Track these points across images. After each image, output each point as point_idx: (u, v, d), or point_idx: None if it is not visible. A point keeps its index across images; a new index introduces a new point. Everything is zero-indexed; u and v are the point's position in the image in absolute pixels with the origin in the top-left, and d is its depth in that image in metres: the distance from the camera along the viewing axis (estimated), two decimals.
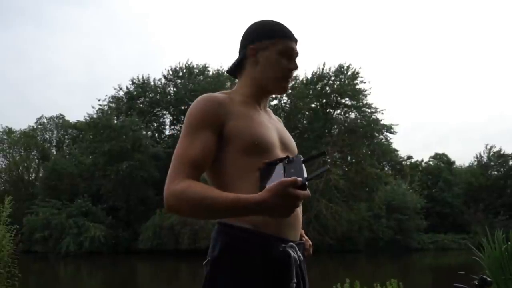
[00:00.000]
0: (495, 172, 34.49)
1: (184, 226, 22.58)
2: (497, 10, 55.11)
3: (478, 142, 55.47)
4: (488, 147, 35.08)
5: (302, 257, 1.23)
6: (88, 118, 29.23)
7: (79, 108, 63.10)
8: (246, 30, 1.39)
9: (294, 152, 1.37)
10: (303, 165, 1.14)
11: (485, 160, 35.34)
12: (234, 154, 1.22)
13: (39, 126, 36.35)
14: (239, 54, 1.37)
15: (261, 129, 1.27)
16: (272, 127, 1.34)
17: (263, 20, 1.39)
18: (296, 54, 1.37)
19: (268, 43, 1.33)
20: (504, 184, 32.96)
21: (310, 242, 1.42)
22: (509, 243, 4.36)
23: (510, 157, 34.30)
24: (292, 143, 1.40)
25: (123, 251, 24.37)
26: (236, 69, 1.39)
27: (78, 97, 54.82)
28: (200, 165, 1.19)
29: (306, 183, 1.06)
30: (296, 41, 1.38)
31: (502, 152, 34.50)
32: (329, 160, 26.58)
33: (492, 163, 34.80)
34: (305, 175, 1.10)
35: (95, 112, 29.42)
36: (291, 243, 1.20)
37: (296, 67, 1.36)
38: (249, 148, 1.22)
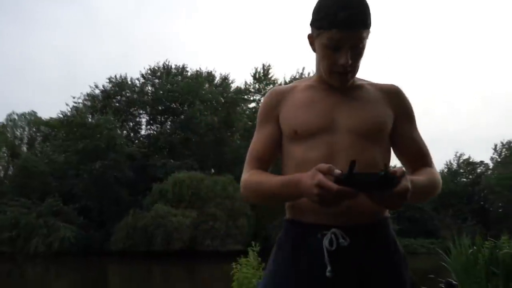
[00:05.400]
0: (464, 179, 35.55)
1: (158, 227, 22.31)
2: (474, 22, 56.96)
3: (448, 150, 56.96)
4: (458, 155, 36.15)
5: (346, 242, 1.12)
6: (61, 115, 28.57)
7: (54, 105, 61.51)
8: None
9: (353, 131, 1.18)
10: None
11: (454, 167, 36.36)
12: (285, 143, 1.26)
13: (10, 123, 35.21)
14: None
15: (304, 115, 1.21)
16: (330, 110, 1.20)
17: None
18: (349, 42, 1.14)
19: (316, 33, 1.19)
20: (472, 190, 34.01)
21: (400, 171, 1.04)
22: (474, 247, 4.52)
23: (478, 165, 35.45)
24: (361, 123, 1.19)
25: (94, 252, 23.84)
26: None
27: (53, 95, 53.31)
28: (262, 157, 1.28)
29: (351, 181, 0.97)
30: (349, 26, 1.12)
31: (470, 160, 35.61)
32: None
33: (461, 170, 35.86)
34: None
35: (69, 109, 28.80)
36: (334, 229, 1.12)
37: (343, 60, 1.15)
38: (292, 136, 1.23)
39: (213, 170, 29.10)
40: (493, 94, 52.28)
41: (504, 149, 34.73)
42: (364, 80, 1.31)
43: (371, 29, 1.18)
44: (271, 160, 1.29)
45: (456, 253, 4.51)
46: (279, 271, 1.20)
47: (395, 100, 1.27)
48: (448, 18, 56.69)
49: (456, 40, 54.87)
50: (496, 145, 35.07)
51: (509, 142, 34.50)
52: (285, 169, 1.25)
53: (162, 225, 22.21)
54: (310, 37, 1.23)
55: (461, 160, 35.93)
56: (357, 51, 1.17)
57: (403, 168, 1.07)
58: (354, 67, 1.19)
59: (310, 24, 1.21)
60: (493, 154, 35.32)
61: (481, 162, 35.44)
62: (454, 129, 49.51)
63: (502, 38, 54.06)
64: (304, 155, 1.18)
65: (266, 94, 1.33)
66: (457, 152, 36.28)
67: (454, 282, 2.64)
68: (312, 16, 1.20)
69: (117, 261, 21.85)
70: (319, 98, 1.24)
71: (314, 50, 1.25)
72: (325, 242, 1.12)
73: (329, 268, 1.10)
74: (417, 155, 1.29)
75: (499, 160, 34.67)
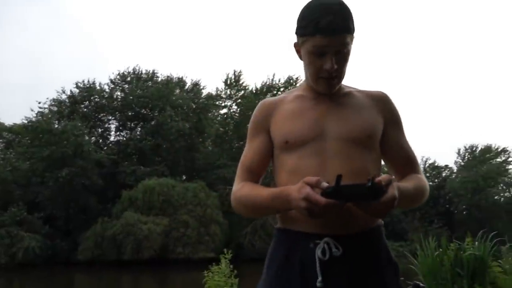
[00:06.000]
0: (430, 183, 36.58)
1: (127, 235, 21.83)
2: (441, 32, 59.07)
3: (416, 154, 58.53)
4: (424, 159, 37.21)
5: (339, 252, 1.12)
6: (25, 121, 27.60)
7: (17, 111, 59.36)
8: None
9: (343, 139, 1.19)
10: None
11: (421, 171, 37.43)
12: (277, 153, 1.27)
13: None
14: None
15: (294, 125, 1.22)
16: (320, 118, 1.22)
17: (306, 5, 1.20)
18: (333, 47, 1.15)
19: (301, 40, 1.21)
20: (438, 194, 35.05)
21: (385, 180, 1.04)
22: (440, 250, 4.66)
23: (443, 169, 36.67)
24: (351, 130, 1.20)
25: (61, 263, 23.06)
26: None
27: (16, 99, 51.43)
28: (253, 169, 1.28)
29: (338, 193, 0.98)
30: (332, 32, 1.13)
31: (436, 164, 36.77)
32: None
33: (428, 174, 36.88)
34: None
35: (34, 115, 27.88)
36: (326, 239, 1.13)
37: (328, 65, 1.16)
38: (283, 146, 1.23)
39: (184, 177, 28.79)
40: (457, 100, 54.35)
41: (467, 153, 36.08)
42: (352, 88, 1.32)
43: (355, 34, 1.20)
44: (262, 171, 1.30)
45: (423, 256, 4.64)
46: (272, 281, 1.19)
47: (384, 107, 1.28)
48: (416, 27, 58.65)
49: (422, 48, 56.78)
50: (459, 150, 36.44)
51: (471, 147, 35.88)
52: (278, 179, 1.26)
53: (132, 233, 21.74)
54: (296, 45, 1.25)
55: (427, 164, 37.00)
56: (342, 56, 1.18)
57: (390, 176, 1.08)
58: (340, 72, 1.20)
59: (295, 33, 1.23)
60: (457, 158, 36.68)
61: (446, 166, 36.68)
62: (420, 134, 51.05)
63: (467, 47, 56.42)
64: (296, 164, 1.19)
65: (256, 107, 1.33)
66: (423, 157, 37.34)
67: (422, 285, 2.71)
68: (297, 24, 1.21)
69: (85, 271, 21.21)
70: (308, 107, 1.24)
71: (300, 58, 1.25)
72: (318, 252, 1.12)
73: (320, 279, 1.10)
74: (405, 161, 1.31)
75: (462, 164, 35.98)
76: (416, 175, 1.29)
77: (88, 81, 30.05)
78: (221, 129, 31.19)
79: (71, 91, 29.79)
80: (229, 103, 32.06)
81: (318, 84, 1.22)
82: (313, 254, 1.12)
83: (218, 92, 32.04)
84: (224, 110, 32.29)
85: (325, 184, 1.02)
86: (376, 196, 1.00)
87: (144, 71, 31.35)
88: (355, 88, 1.32)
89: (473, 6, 55.99)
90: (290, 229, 1.20)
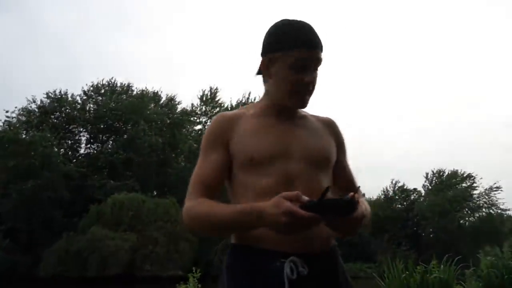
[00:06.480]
0: (399, 205, 37.32)
1: (93, 252, 21.16)
2: (405, 55, 61.12)
3: (384, 178, 59.51)
4: (394, 182, 37.99)
5: (305, 271, 1.11)
6: None
7: None
8: (265, 33, 1.26)
9: (307, 159, 1.21)
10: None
11: (391, 194, 38.14)
12: (237, 171, 1.21)
13: None
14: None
15: (260, 141, 1.20)
16: (284, 137, 1.22)
17: (278, 24, 1.24)
18: (313, 62, 1.20)
19: (279, 55, 1.20)
20: (406, 216, 35.75)
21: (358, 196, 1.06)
22: (407, 272, 4.75)
23: (412, 192, 37.50)
24: (313, 152, 1.23)
25: (21, 278, 22.05)
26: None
27: None
28: (210, 184, 1.21)
29: (320, 206, 0.98)
30: (314, 46, 1.19)
31: (405, 187, 37.58)
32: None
33: (397, 197, 37.64)
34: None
35: (1, 124, 27.00)
36: (292, 257, 1.11)
37: (310, 78, 1.19)
38: (246, 164, 1.19)
39: (155, 192, 28.32)
40: (425, 126, 56.11)
41: (434, 177, 37.06)
42: (305, 112, 1.34)
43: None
44: (219, 187, 1.24)
45: (390, 278, 4.71)
46: None
47: (333, 132, 1.33)
48: (380, 50, 60.54)
49: (388, 74, 58.52)
50: (427, 174, 37.37)
51: (439, 171, 36.92)
52: (236, 198, 1.22)
53: (98, 249, 21.10)
54: (264, 62, 1.24)
55: (396, 187, 37.75)
56: (316, 74, 1.22)
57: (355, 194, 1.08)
58: (314, 88, 1.22)
59: (267, 50, 1.22)
60: (425, 182, 37.59)
61: (415, 189, 37.50)
62: (389, 158, 52.20)
63: (433, 72, 58.57)
64: (259, 182, 1.16)
65: (213, 119, 1.29)
66: (393, 180, 38.10)
67: None
68: (270, 41, 1.22)
69: (47, 287, 20.37)
70: (271, 125, 1.24)
71: (269, 76, 1.24)
72: (287, 270, 1.09)
73: None
74: (349, 185, 1.33)
75: (430, 187, 36.90)
76: (362, 200, 1.34)
77: (60, 92, 29.47)
78: (194, 145, 30.98)
79: (41, 100, 29.12)
80: (204, 120, 32.02)
81: (292, 99, 1.22)
82: (279, 272, 1.10)
83: (194, 108, 31.98)
84: (199, 127, 32.20)
85: (305, 198, 1.00)
86: (351, 211, 1.02)
87: (119, 84, 31.04)
88: (307, 112, 1.35)
89: (425, 30, 58.36)
90: (254, 246, 1.16)
